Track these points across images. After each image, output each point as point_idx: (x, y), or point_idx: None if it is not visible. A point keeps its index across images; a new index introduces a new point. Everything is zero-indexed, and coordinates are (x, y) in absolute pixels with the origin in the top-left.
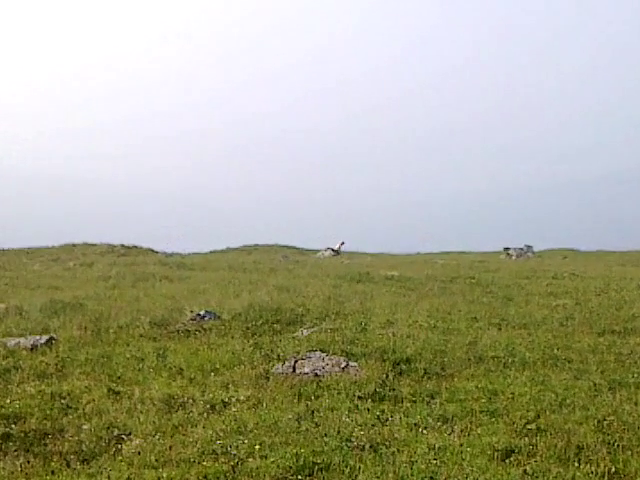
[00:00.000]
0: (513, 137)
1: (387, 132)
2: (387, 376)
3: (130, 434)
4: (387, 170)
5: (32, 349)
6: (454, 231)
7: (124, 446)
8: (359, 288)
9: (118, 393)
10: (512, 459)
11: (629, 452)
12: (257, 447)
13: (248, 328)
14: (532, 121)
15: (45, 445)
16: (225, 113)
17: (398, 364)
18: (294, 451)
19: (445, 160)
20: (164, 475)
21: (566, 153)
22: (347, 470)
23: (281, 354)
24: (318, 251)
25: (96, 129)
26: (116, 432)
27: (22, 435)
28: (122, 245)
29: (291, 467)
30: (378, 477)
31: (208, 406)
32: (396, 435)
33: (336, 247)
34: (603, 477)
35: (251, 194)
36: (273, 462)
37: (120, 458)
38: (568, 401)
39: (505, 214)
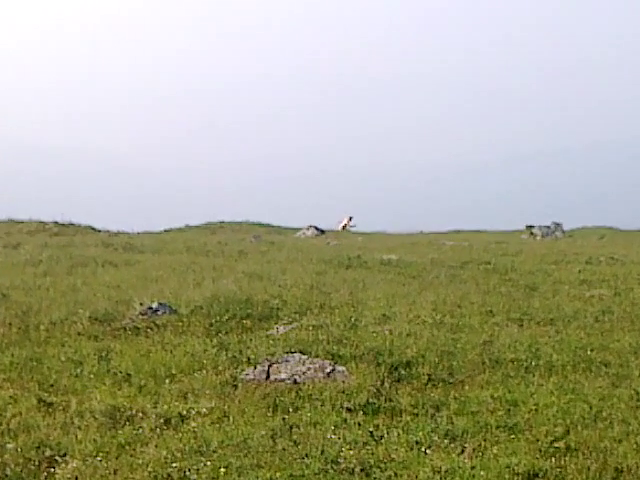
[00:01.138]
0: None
1: (385, 99)
2: (382, 383)
3: (65, 455)
4: (383, 135)
5: None
6: (465, 206)
7: (58, 470)
8: (348, 275)
9: (51, 404)
10: None
11: None
12: (222, 470)
13: (211, 325)
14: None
15: None
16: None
17: (396, 368)
18: (268, 475)
19: (454, 122)
20: None
21: (608, 114)
22: None
23: (252, 356)
24: (298, 230)
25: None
26: (48, 452)
27: None
28: (55, 222)
29: None
30: None
31: (162, 420)
32: (393, 456)
33: (342, 223)
34: None
35: (216, 164)
36: None
37: None
38: (604, 414)
39: (528, 185)
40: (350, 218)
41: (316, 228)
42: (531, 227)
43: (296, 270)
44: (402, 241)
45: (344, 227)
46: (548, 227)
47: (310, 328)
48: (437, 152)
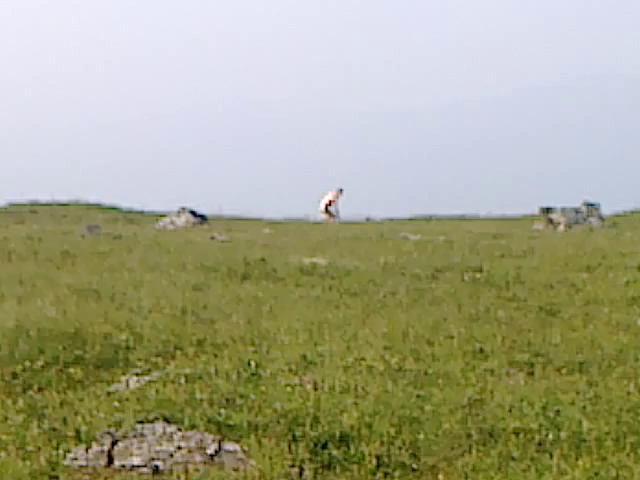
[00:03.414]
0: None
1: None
2: (302, 472)
3: None
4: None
5: None
6: (442, 179)
7: None
8: (246, 291)
9: None
10: None
11: None
12: None
13: (14, 376)
14: None
15: None
16: None
17: (324, 446)
18: None
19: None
20: None
21: None
22: None
23: (84, 428)
24: (163, 216)
25: None
26: None
27: None
28: None
29: None
30: None
31: None
32: None
33: (326, 199)
34: None
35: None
36: None
37: None
38: None
39: (544, 144)
40: (340, 191)
41: (193, 213)
42: (549, 211)
43: (159, 283)
44: (336, 234)
45: (329, 206)
46: (577, 210)
47: (181, 380)
48: (393, 93)
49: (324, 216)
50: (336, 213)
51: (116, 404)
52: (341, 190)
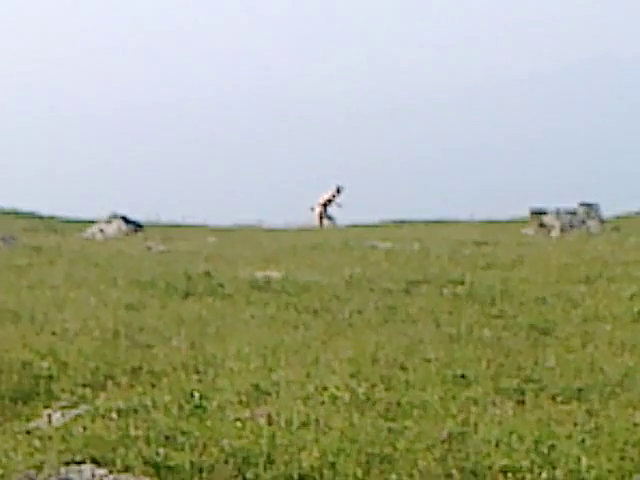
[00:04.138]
0: None
1: None
2: None
3: None
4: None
5: None
6: (416, 178)
7: None
8: (188, 310)
9: None
10: None
11: None
12: None
13: None
14: None
15: None
16: None
17: None
18: None
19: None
20: None
21: None
22: None
23: None
24: (91, 223)
25: None
26: None
27: None
28: None
29: None
30: None
31: None
32: None
33: (323, 199)
34: None
35: None
36: None
37: None
38: None
39: (535, 140)
40: (338, 190)
41: (126, 220)
42: (541, 213)
43: (86, 302)
44: (293, 242)
45: (325, 206)
46: (573, 213)
47: (113, 415)
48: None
49: (317, 220)
50: (332, 216)
51: (37, 443)
52: (339, 189)
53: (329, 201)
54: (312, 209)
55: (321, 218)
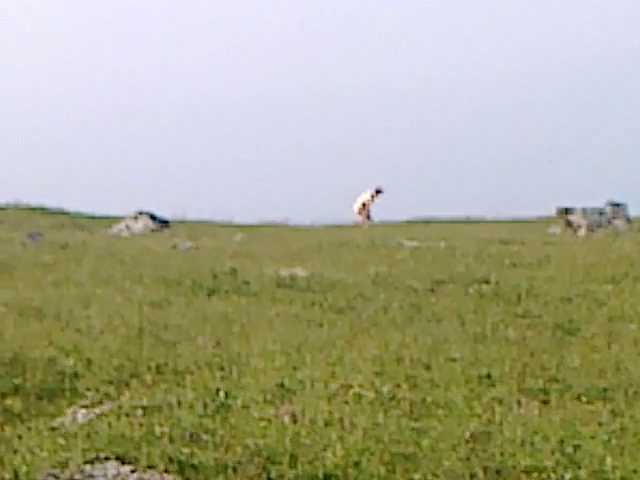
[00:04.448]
0: None
1: None
2: None
3: None
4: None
5: None
6: (440, 174)
7: None
8: (214, 308)
9: None
10: None
11: None
12: None
13: None
14: None
15: None
16: None
17: None
18: None
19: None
20: None
21: None
22: None
23: (24, 469)
24: (118, 220)
25: None
26: None
27: None
28: None
29: None
30: None
31: None
32: None
33: (362, 200)
34: None
35: None
36: None
37: None
38: None
39: (560, 137)
40: (377, 192)
41: (152, 218)
42: (568, 212)
43: (111, 300)
44: (319, 240)
45: (364, 207)
46: (600, 212)
47: (137, 413)
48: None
49: (359, 218)
50: (370, 215)
51: (61, 441)
52: (378, 191)
53: (366, 203)
54: (355, 212)
55: (361, 214)
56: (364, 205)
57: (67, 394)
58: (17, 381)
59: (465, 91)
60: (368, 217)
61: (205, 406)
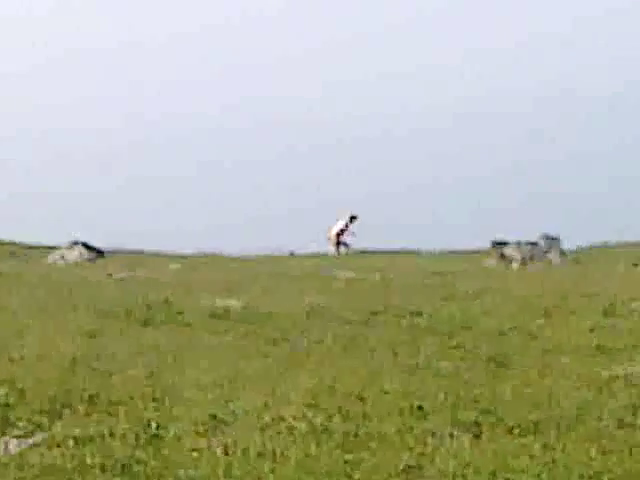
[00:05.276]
0: None
1: None
2: None
3: None
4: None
5: None
6: (378, 210)
7: None
8: (147, 339)
9: None
10: None
11: None
12: None
13: None
14: None
15: None
16: None
17: None
18: None
19: None
20: None
21: None
22: None
23: None
24: (53, 250)
25: None
26: None
27: None
28: None
29: None
30: None
31: None
32: None
33: (337, 228)
34: None
35: None
36: None
37: None
38: None
39: (496, 169)
40: (352, 219)
41: (87, 247)
42: (502, 245)
43: (45, 329)
44: (255, 271)
45: (339, 236)
46: (534, 245)
47: (69, 443)
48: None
49: (333, 248)
50: (347, 243)
51: None
52: (352, 217)
53: (342, 230)
54: (328, 239)
55: (337, 245)
56: (341, 232)
57: None
58: None
59: (407, 122)
60: (345, 244)
61: (137, 437)
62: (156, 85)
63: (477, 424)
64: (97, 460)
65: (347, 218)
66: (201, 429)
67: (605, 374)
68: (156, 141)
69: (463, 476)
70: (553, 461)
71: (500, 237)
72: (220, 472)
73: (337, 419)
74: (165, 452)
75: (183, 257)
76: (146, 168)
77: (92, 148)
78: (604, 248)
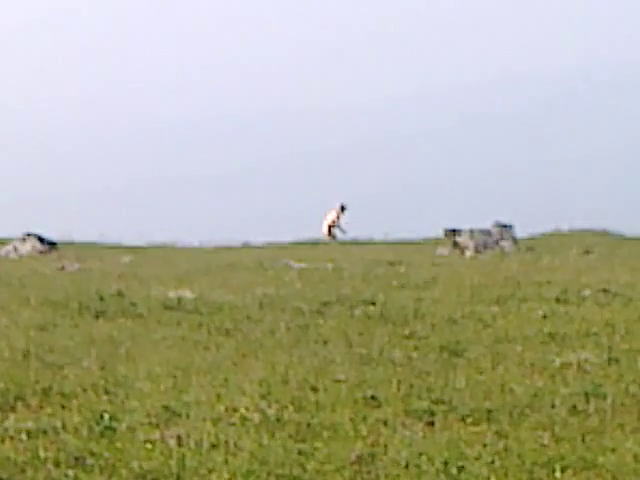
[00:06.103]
0: None
1: None
2: None
3: None
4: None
5: None
6: (328, 197)
7: None
8: (100, 331)
9: None
10: None
11: None
12: None
13: None
14: None
15: None
16: None
17: None
18: None
19: None
20: None
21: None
22: None
23: None
24: (4, 243)
25: None
26: None
27: None
28: None
29: None
30: None
31: None
32: None
33: (329, 219)
34: None
35: None
36: None
37: None
38: None
39: (450, 154)
40: (342, 209)
41: (40, 239)
42: (455, 233)
43: None
44: (207, 262)
45: (331, 227)
46: (487, 232)
47: (22, 436)
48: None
49: (328, 238)
50: (340, 233)
51: None
52: (343, 208)
53: (334, 221)
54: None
55: (330, 234)
56: (333, 223)
57: None
58: None
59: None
60: (336, 236)
61: (90, 429)
62: None
63: (430, 413)
64: (50, 453)
65: (338, 208)
66: (154, 421)
67: (557, 361)
68: (105, 130)
69: (416, 465)
70: (506, 449)
71: (453, 225)
72: (173, 464)
73: (290, 409)
74: (118, 444)
75: (135, 248)
76: (102, 157)
77: (39, 136)
78: (557, 235)
